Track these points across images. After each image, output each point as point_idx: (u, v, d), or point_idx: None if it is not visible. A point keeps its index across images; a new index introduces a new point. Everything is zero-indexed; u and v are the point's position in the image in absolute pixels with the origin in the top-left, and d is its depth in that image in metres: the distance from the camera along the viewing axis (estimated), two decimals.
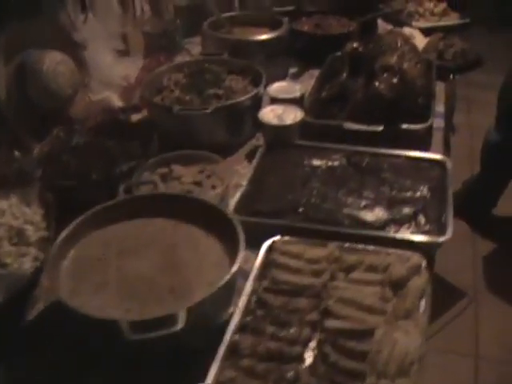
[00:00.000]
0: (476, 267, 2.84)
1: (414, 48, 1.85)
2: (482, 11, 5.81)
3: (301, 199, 1.35)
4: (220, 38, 1.98)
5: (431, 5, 2.52)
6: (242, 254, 1.07)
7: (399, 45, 1.79)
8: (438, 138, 1.69)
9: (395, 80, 1.65)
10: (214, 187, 1.35)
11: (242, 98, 1.61)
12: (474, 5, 5.51)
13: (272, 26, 2.08)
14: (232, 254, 1.10)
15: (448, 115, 1.90)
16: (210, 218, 1.18)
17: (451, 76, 2.06)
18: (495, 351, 2.47)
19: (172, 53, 2.20)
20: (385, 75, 1.67)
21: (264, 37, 1.94)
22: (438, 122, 1.75)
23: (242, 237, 1.10)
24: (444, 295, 2.48)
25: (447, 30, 2.36)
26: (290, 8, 2.52)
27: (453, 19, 2.50)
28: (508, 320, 2.57)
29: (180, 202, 1.23)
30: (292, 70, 2.09)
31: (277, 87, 1.76)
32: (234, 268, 1.04)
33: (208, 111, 1.52)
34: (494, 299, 2.68)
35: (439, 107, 1.81)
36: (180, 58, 2.16)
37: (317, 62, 2.02)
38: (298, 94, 1.71)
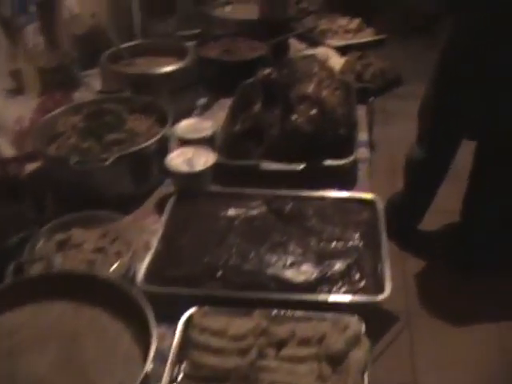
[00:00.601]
0: (408, 288, 2.76)
1: (331, 73, 1.74)
2: (393, 23, 5.94)
3: (218, 261, 1.20)
4: (120, 73, 1.81)
5: (345, 21, 2.43)
6: (154, 346, 0.91)
7: (315, 71, 1.68)
8: (363, 170, 1.58)
9: (314, 111, 1.53)
10: (119, 254, 1.19)
11: (147, 143, 1.44)
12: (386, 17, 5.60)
13: (177, 54, 1.92)
14: (143, 342, 0.94)
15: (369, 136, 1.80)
16: (115, 298, 1.02)
17: (371, 99, 1.96)
18: (433, 379, 2.39)
19: (70, 89, 2.02)
20: (302, 106, 1.55)
21: (168, 69, 1.78)
22: (363, 152, 1.64)
23: (152, 321, 0.94)
24: (377, 321, 2.38)
25: (363, 47, 2.28)
26: (196, 31, 2.40)
27: (368, 35, 2.42)
28: (443, 343, 2.50)
29: (80, 281, 1.06)
30: (201, 102, 1.94)
31: (185, 126, 1.60)
32: (147, 367, 0.89)
33: (107, 163, 1.34)
34: (428, 321, 2.61)
35: (362, 135, 1.71)
36: (79, 95, 1.98)
37: (227, 91, 1.89)
38: (208, 133, 1.56)
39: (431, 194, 2.86)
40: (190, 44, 2.05)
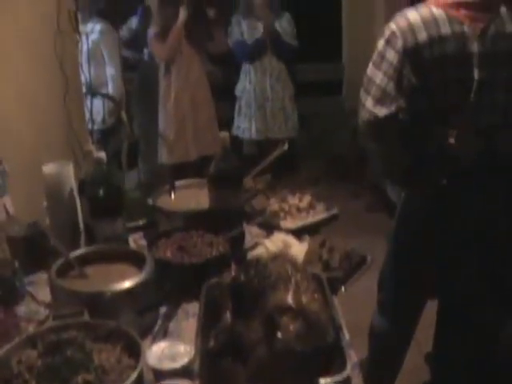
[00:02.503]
0: None
1: (304, 273, 1.66)
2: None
3: None
4: (74, 292, 1.68)
5: (296, 200, 2.42)
6: None
7: (290, 273, 1.60)
8: None
9: (299, 325, 1.44)
10: None
11: None
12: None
13: (130, 258, 1.84)
14: None
15: None
16: None
17: (343, 288, 1.91)
18: None
19: (12, 303, 1.89)
20: (285, 318, 1.45)
21: (127, 284, 1.67)
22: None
23: None
24: None
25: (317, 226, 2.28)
26: (142, 222, 2.35)
27: (321, 212, 2.41)
28: None
29: None
30: (162, 310, 1.82)
31: (157, 353, 1.47)
32: None
33: None
34: None
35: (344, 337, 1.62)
36: (24, 309, 1.86)
37: (189, 295, 1.82)
38: (185, 360, 1.44)
39: (398, 361, 2.79)
40: (144, 249, 1.97)
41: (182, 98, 4.98)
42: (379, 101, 2.19)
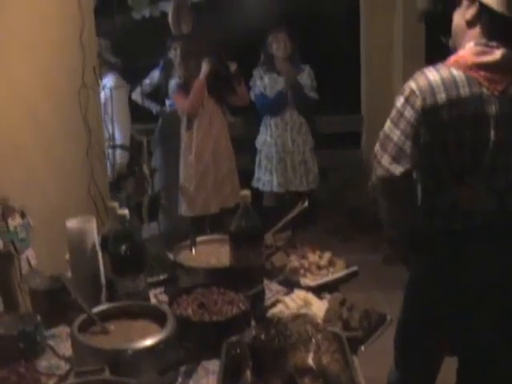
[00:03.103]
0: None
1: (325, 332, 1.68)
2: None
3: None
4: (95, 348, 1.70)
5: (315, 257, 2.44)
6: None
7: (310, 333, 1.62)
8: None
9: None
10: None
11: None
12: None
13: (152, 315, 1.87)
14: None
15: None
16: None
17: (362, 347, 1.91)
18: None
19: (33, 357, 1.91)
20: (306, 380, 1.47)
21: (149, 342, 1.69)
22: None
23: None
24: None
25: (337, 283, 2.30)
26: (163, 277, 2.38)
27: (340, 269, 2.42)
28: None
29: None
30: (182, 367, 1.83)
31: None
32: None
33: None
34: None
35: None
36: (45, 363, 1.89)
37: (209, 352, 1.83)
38: None
39: None
40: (165, 305, 1.99)
41: (204, 150, 5.00)
42: (395, 159, 2.23)
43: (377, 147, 2.30)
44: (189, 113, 5.02)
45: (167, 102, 6.03)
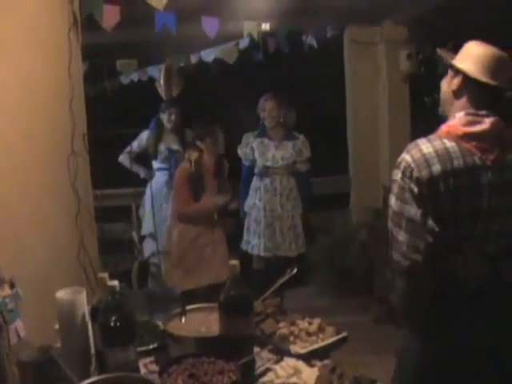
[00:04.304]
0: None
1: None
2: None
3: None
4: None
5: (305, 324, 2.45)
6: None
7: None
8: None
9: None
10: None
11: None
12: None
13: None
14: None
15: None
16: None
17: None
18: None
19: None
20: None
21: None
22: None
23: None
24: None
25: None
26: (153, 346, 2.38)
27: (330, 335, 2.43)
28: None
29: None
30: None
31: None
32: None
33: None
34: None
35: None
36: None
37: None
38: None
39: None
40: (155, 377, 2.00)
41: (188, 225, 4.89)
42: (413, 233, 2.23)
43: (391, 225, 2.29)
44: (177, 217, 4.86)
45: (154, 165, 6.09)
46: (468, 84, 2.32)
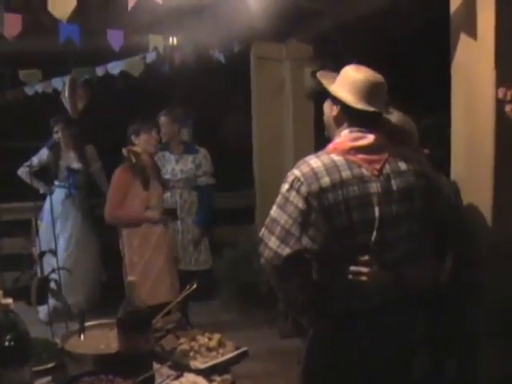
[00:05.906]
0: None
1: None
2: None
3: None
4: None
5: (205, 339, 2.47)
6: None
7: None
8: None
9: None
10: None
11: None
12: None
13: None
14: None
15: None
16: None
17: None
18: None
19: None
20: None
21: None
22: None
23: None
24: None
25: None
26: (51, 365, 2.34)
27: (230, 350, 2.46)
28: None
29: None
30: None
31: None
32: None
33: None
34: None
35: None
36: None
37: None
38: None
39: None
40: None
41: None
42: (283, 241, 2.32)
43: (263, 231, 2.39)
44: (106, 218, 4.74)
45: (56, 183, 5.98)
46: (347, 110, 2.44)
